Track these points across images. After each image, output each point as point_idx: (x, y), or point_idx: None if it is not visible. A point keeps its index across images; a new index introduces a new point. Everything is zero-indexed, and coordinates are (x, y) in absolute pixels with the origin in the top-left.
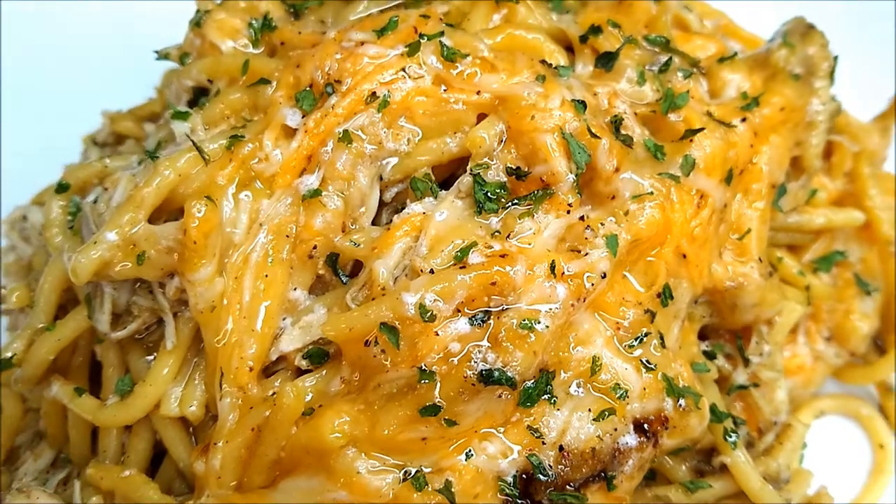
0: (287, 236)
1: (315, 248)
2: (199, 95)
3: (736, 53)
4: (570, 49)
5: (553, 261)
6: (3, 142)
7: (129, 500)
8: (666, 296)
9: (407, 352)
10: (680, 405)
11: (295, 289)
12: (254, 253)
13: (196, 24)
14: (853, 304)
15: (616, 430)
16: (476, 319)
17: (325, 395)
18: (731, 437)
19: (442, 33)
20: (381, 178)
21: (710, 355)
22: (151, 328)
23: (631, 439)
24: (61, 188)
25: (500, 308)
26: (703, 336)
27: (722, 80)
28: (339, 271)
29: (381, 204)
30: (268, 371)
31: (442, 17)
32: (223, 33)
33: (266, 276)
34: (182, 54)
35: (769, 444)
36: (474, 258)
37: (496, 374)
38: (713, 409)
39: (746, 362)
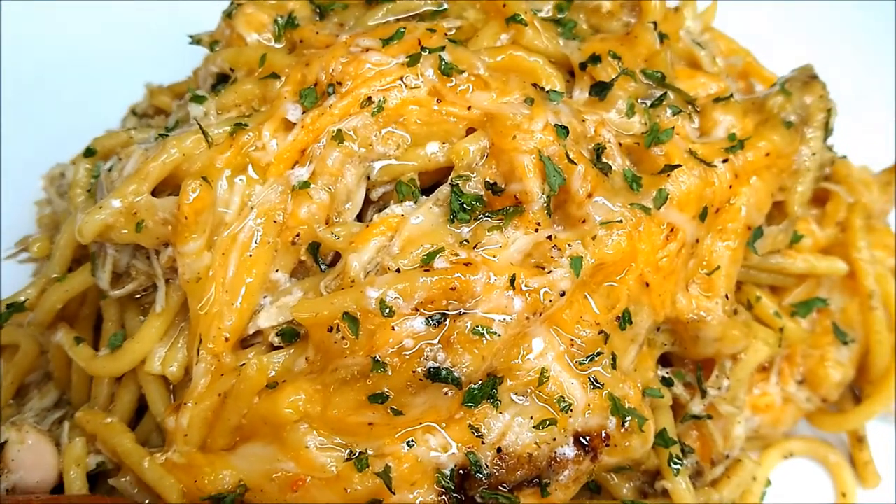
0: (274, 221)
1: (298, 235)
2: (221, 81)
3: (732, 94)
4: (574, 73)
5: (514, 274)
6: (64, 105)
7: (107, 445)
8: (625, 320)
9: (364, 341)
10: (624, 425)
11: (277, 271)
12: (242, 233)
13: (228, 14)
14: (828, 352)
15: (555, 439)
16: (432, 320)
17: (289, 371)
18: (676, 463)
19: (443, 48)
20: (368, 178)
21: (667, 382)
22: (148, 290)
23: (569, 450)
24: (88, 153)
25: (457, 312)
26: (667, 362)
27: (714, 119)
28: (319, 259)
29: (368, 202)
30: (245, 343)
31: (455, 30)
32: (250, 26)
33: (251, 255)
34: (212, 41)
35: (717, 476)
36: (439, 263)
37: (443, 372)
38: (662, 434)
39: (703, 394)
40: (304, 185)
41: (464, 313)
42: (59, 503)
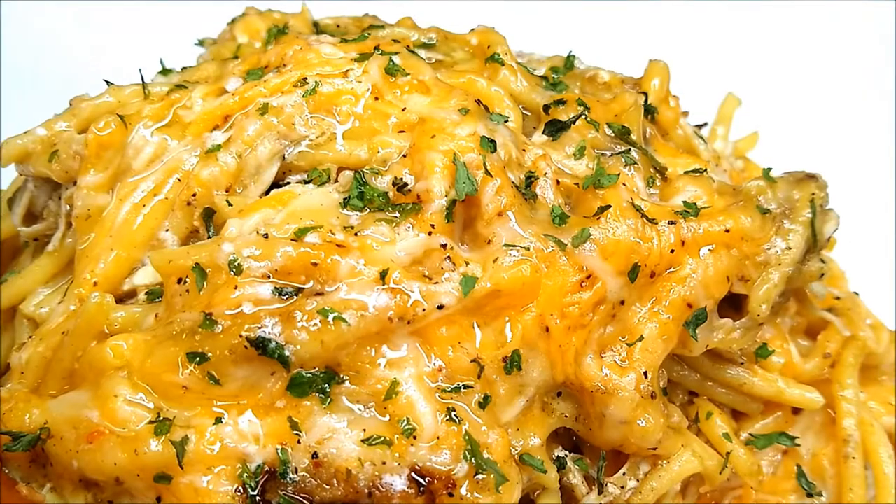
0: (179, 179)
1: (195, 195)
2: None
3: (706, 170)
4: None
5: (387, 269)
6: None
7: None
8: (512, 362)
9: (205, 297)
10: (477, 476)
11: (167, 230)
12: (144, 183)
13: (232, 21)
14: (788, 502)
15: (384, 463)
16: (283, 291)
17: (137, 326)
18: None
19: (396, 53)
20: (284, 159)
21: (560, 463)
22: None
23: (398, 482)
24: None
25: (313, 291)
26: (578, 449)
27: (677, 188)
28: (210, 228)
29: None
30: (123, 301)
31: (435, 61)
32: (246, 31)
33: (146, 207)
34: (212, 43)
35: None
36: (311, 238)
37: (272, 345)
38: None
39: (601, 488)
40: (216, 147)
41: (320, 294)
42: None
